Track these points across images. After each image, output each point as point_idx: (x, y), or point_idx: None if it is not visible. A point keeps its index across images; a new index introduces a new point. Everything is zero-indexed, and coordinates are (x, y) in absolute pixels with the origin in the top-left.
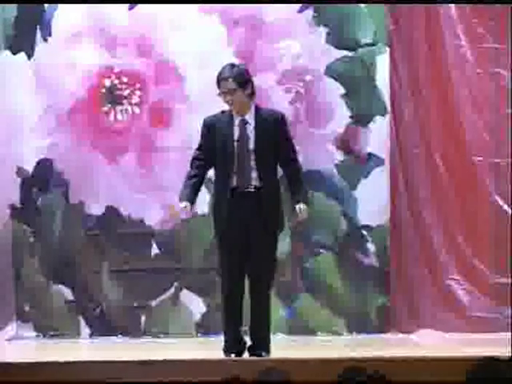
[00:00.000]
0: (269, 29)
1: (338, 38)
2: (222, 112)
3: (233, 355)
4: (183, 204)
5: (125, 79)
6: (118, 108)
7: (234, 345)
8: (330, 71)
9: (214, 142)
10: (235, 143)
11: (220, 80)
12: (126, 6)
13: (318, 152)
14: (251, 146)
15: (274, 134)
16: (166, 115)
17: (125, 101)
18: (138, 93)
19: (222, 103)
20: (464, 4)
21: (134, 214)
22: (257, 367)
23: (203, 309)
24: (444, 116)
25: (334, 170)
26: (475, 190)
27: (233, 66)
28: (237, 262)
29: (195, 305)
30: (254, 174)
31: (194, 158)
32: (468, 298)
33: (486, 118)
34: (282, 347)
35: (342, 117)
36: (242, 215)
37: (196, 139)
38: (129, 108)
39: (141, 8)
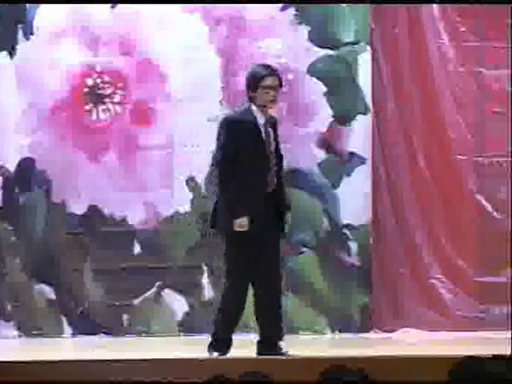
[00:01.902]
0: (251, 28)
1: (320, 37)
2: (239, 109)
3: (216, 354)
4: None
5: (107, 78)
6: (101, 107)
7: (222, 346)
8: (312, 70)
9: (242, 142)
10: (266, 144)
11: (267, 75)
12: (109, 5)
13: (300, 151)
14: (272, 146)
15: (277, 135)
16: (149, 114)
17: (107, 100)
18: (120, 92)
19: (205, 102)
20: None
21: (117, 213)
22: (240, 366)
23: (186, 308)
24: (426, 115)
25: (317, 169)
26: (458, 189)
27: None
28: (251, 263)
29: (178, 304)
30: (274, 175)
31: (227, 165)
32: (451, 297)
33: (469, 117)
34: None
35: (324, 116)
36: (264, 216)
37: (179, 138)
38: (111, 107)
39: (123, 7)
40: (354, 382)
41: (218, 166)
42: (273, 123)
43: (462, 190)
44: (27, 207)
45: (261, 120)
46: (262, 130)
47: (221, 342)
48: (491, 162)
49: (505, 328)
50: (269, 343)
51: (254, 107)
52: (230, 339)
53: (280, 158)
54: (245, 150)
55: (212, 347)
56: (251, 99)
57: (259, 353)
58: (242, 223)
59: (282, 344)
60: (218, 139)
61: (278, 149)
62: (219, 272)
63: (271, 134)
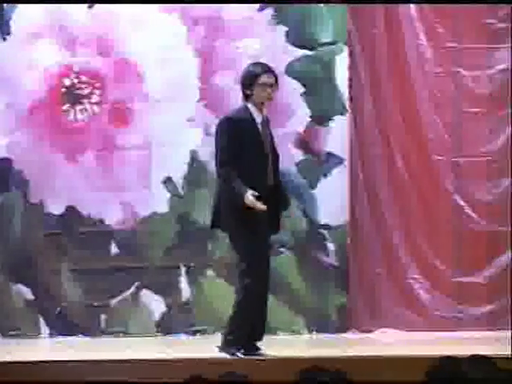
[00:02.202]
0: (229, 28)
1: (297, 38)
2: (236, 109)
3: (239, 353)
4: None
5: (85, 78)
6: (78, 107)
7: (249, 344)
8: (290, 70)
9: (243, 141)
10: (264, 142)
11: (263, 72)
12: (86, 5)
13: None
14: (269, 144)
15: (271, 133)
16: (126, 114)
17: (85, 100)
18: (97, 92)
19: (183, 102)
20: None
21: (94, 213)
22: (218, 367)
23: (163, 308)
24: (404, 115)
25: (294, 169)
26: (435, 189)
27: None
28: (268, 259)
29: (155, 304)
30: (272, 172)
31: (229, 161)
32: (428, 297)
33: (447, 117)
34: None
35: (302, 116)
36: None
37: (157, 138)
38: (89, 107)
39: (101, 7)
40: (332, 382)
41: (222, 166)
42: (266, 122)
43: (439, 190)
44: (5, 207)
45: (258, 118)
46: (260, 128)
47: (248, 341)
48: (468, 162)
49: (482, 328)
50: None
51: (250, 106)
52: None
53: (276, 155)
54: (245, 148)
55: (237, 348)
56: (247, 97)
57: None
58: (252, 197)
59: (259, 344)
60: (216, 140)
61: (273, 147)
62: (197, 272)
63: (267, 132)
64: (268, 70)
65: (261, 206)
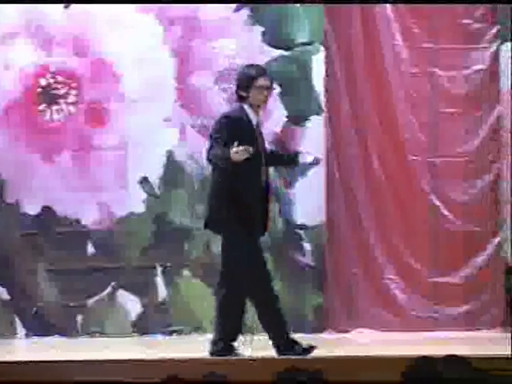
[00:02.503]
0: (205, 28)
1: (274, 38)
2: (232, 109)
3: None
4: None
5: (61, 78)
6: (54, 107)
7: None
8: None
9: (239, 140)
10: (259, 143)
11: (260, 75)
12: (62, 5)
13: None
14: (262, 145)
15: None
16: (103, 114)
17: (61, 100)
18: (74, 92)
19: (159, 102)
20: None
21: (71, 214)
22: (195, 367)
23: (140, 308)
24: (380, 115)
25: (271, 169)
26: (411, 190)
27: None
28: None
29: (132, 304)
30: (265, 172)
31: (226, 165)
32: (405, 297)
33: (423, 118)
34: None
35: (278, 116)
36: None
37: (133, 138)
38: (65, 107)
39: (77, 7)
40: (309, 382)
41: (216, 165)
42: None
43: (415, 190)
44: None
45: (254, 120)
46: (256, 129)
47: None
48: (445, 163)
49: (458, 328)
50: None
51: (246, 108)
52: None
53: (268, 155)
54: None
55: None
56: (243, 99)
57: (213, 353)
58: (236, 148)
59: (236, 344)
60: (211, 135)
61: (264, 148)
62: (173, 272)
63: (261, 133)
64: (264, 72)
65: (246, 148)
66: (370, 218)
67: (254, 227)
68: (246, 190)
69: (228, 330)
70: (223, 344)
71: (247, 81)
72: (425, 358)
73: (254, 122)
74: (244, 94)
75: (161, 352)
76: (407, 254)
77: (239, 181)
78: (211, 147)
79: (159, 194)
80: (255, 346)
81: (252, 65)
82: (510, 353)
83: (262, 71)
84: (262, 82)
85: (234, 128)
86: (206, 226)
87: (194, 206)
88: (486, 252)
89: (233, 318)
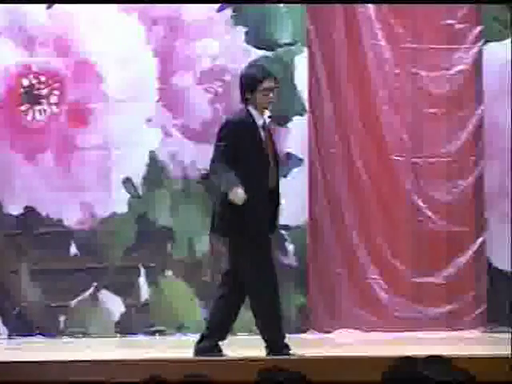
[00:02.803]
0: (187, 28)
1: (256, 38)
2: (236, 112)
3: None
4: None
5: (43, 78)
6: (37, 107)
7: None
8: None
9: (243, 144)
10: (265, 145)
11: (266, 76)
12: (45, 5)
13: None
14: (270, 147)
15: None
16: (85, 115)
17: (43, 100)
18: (56, 92)
19: (142, 102)
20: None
21: (53, 214)
22: (177, 367)
23: (122, 308)
24: (363, 116)
25: None
26: (394, 190)
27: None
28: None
29: (114, 304)
30: (273, 174)
31: (220, 159)
32: (387, 297)
33: (405, 118)
34: None
35: None
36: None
37: (116, 139)
38: (47, 107)
39: (59, 7)
40: (291, 382)
41: (212, 162)
42: (267, 124)
43: (398, 190)
44: None
45: (259, 121)
46: (261, 131)
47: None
48: (428, 163)
49: (441, 328)
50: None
51: (251, 109)
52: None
53: (277, 158)
54: (245, 151)
55: (279, 347)
56: (248, 101)
57: (199, 349)
58: (239, 192)
59: (220, 344)
60: (216, 147)
61: (274, 149)
62: (156, 272)
63: (268, 134)
64: (270, 73)
65: (240, 201)
66: (353, 219)
67: (259, 229)
68: (250, 192)
69: (218, 328)
70: (210, 341)
71: (252, 84)
72: (406, 358)
73: (260, 124)
74: (248, 96)
75: (143, 352)
76: (390, 255)
77: (244, 183)
78: (215, 157)
79: (142, 194)
80: (236, 345)
81: (255, 65)
82: (492, 353)
83: (267, 73)
84: (267, 84)
85: (237, 132)
86: (212, 229)
87: (177, 206)
88: (469, 252)
89: (225, 318)
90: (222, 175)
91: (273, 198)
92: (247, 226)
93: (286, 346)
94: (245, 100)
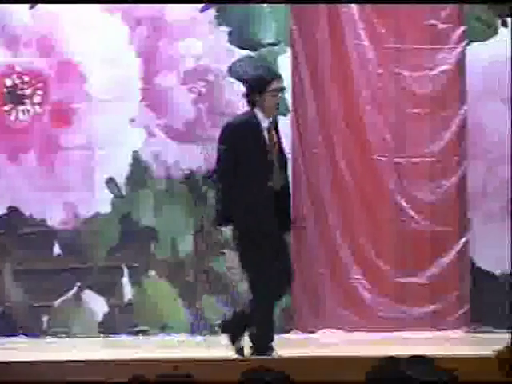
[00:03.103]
0: (171, 28)
1: (240, 38)
2: (241, 114)
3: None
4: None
5: (27, 78)
6: (20, 107)
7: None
8: (233, 71)
9: (245, 147)
10: (269, 147)
11: (275, 77)
12: (28, 5)
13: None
14: (276, 149)
15: (279, 135)
16: (68, 115)
17: (27, 100)
18: (39, 92)
19: (125, 102)
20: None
21: (36, 214)
22: (160, 366)
23: (106, 308)
24: (346, 116)
25: None
26: (378, 190)
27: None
28: (275, 260)
29: (98, 304)
30: (279, 175)
31: (226, 170)
32: (371, 297)
33: (389, 118)
34: (186, 347)
35: None
36: (272, 215)
37: (99, 139)
38: (31, 107)
39: (43, 7)
40: (275, 382)
41: (219, 178)
42: (275, 123)
43: (381, 190)
44: None
45: (264, 124)
46: (265, 133)
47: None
48: (411, 163)
49: (425, 328)
50: None
51: (257, 111)
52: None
53: (284, 159)
54: (247, 154)
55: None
56: (255, 103)
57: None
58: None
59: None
60: (218, 150)
61: (281, 148)
62: (139, 272)
63: (274, 136)
64: (277, 75)
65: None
66: (336, 218)
67: (261, 231)
68: (252, 194)
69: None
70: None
71: (261, 85)
72: (390, 358)
73: (264, 126)
74: (256, 98)
75: (127, 352)
76: (374, 255)
77: (245, 186)
78: (218, 161)
79: (125, 194)
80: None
81: (262, 66)
82: (475, 353)
83: (274, 73)
84: (275, 84)
85: (238, 134)
86: (217, 222)
87: (160, 206)
88: (452, 252)
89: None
90: (219, 203)
91: (279, 200)
92: (248, 226)
93: (271, 348)
94: (252, 102)
